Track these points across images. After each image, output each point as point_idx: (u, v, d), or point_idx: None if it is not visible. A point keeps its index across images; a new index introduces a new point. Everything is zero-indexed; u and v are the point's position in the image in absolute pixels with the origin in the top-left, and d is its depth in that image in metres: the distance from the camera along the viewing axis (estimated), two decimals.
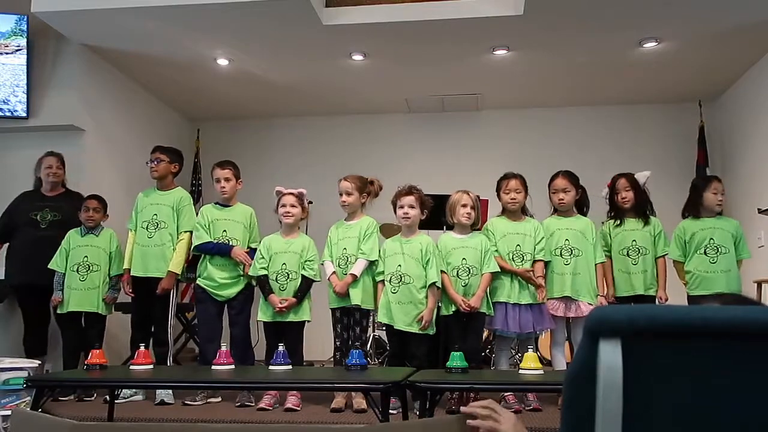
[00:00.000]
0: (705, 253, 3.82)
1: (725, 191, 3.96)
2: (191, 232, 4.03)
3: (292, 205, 3.79)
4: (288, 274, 3.73)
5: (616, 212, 3.96)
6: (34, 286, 4.24)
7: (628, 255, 3.86)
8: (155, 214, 4.03)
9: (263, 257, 3.79)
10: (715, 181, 3.96)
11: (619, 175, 3.97)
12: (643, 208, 3.92)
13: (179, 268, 4.01)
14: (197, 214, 4.07)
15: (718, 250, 3.80)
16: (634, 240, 3.86)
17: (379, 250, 3.72)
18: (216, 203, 4.09)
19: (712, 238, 3.82)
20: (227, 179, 3.98)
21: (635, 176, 3.94)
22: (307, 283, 3.76)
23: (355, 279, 3.64)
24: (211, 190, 6.50)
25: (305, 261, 3.77)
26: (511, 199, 3.76)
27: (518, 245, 3.73)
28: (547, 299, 3.72)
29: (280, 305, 3.64)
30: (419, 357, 3.49)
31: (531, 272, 3.68)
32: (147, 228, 4.02)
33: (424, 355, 3.53)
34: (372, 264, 3.71)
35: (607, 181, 4.03)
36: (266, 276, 3.76)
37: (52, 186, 4.43)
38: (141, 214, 4.08)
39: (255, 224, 4.05)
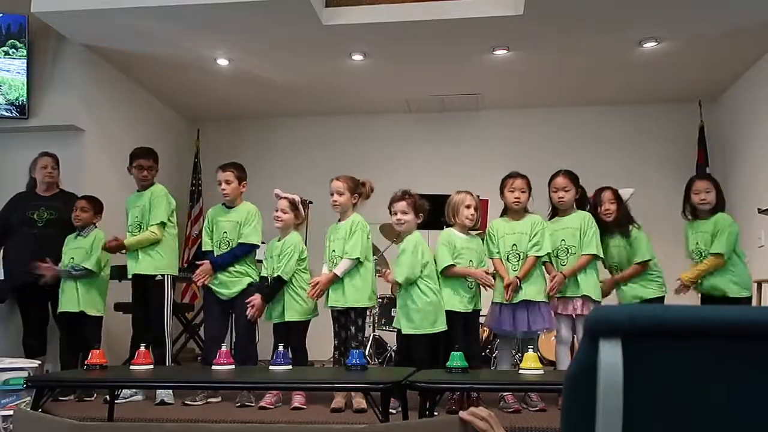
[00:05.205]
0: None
1: (717, 190, 3.80)
2: (161, 225, 4.02)
3: (283, 210, 3.82)
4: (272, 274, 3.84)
5: (599, 226, 3.86)
6: (33, 286, 4.23)
7: (619, 270, 3.88)
8: (137, 216, 4.09)
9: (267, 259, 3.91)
10: (697, 181, 3.88)
11: (604, 188, 3.93)
12: (623, 224, 3.84)
13: (130, 246, 4.01)
14: (204, 219, 4.10)
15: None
16: (619, 254, 3.87)
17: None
18: (222, 204, 4.11)
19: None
20: (228, 182, 4.00)
21: (619, 192, 3.91)
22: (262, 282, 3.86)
23: (336, 278, 3.63)
24: (211, 191, 6.54)
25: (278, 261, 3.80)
26: (516, 198, 3.75)
27: (515, 245, 3.75)
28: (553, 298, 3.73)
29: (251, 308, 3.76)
30: (419, 359, 3.46)
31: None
32: (133, 232, 4.08)
33: (426, 356, 3.52)
34: (359, 262, 3.65)
35: (607, 182, 4.00)
36: (265, 278, 3.85)
37: (48, 186, 4.45)
38: (129, 218, 4.15)
39: (252, 221, 3.99)
